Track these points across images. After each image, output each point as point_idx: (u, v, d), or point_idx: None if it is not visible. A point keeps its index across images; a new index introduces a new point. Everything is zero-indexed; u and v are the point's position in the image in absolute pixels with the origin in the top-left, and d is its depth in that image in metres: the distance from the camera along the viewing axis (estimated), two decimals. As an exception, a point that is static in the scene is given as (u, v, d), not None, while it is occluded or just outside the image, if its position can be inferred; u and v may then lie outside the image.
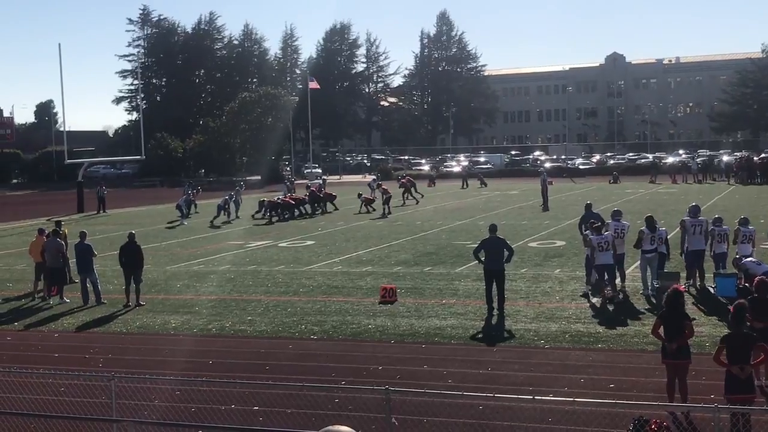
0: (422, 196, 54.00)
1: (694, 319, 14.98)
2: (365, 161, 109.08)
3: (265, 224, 42.57)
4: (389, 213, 44.59)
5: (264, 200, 46.51)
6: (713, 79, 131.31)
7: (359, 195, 48.56)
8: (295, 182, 64.69)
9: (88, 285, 22.33)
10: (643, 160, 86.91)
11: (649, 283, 21.00)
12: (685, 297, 13.39)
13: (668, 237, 22.50)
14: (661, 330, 12.47)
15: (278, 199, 47.03)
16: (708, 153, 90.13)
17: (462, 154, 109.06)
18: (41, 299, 23.00)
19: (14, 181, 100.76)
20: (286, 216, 44.94)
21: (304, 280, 24.62)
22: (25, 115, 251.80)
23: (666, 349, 12.45)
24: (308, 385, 12.22)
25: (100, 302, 22.12)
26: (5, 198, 74.99)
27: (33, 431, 11.79)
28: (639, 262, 21.69)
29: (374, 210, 46.27)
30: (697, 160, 74.40)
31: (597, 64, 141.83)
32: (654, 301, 19.86)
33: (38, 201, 67.98)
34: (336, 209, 47.92)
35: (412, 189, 53.33)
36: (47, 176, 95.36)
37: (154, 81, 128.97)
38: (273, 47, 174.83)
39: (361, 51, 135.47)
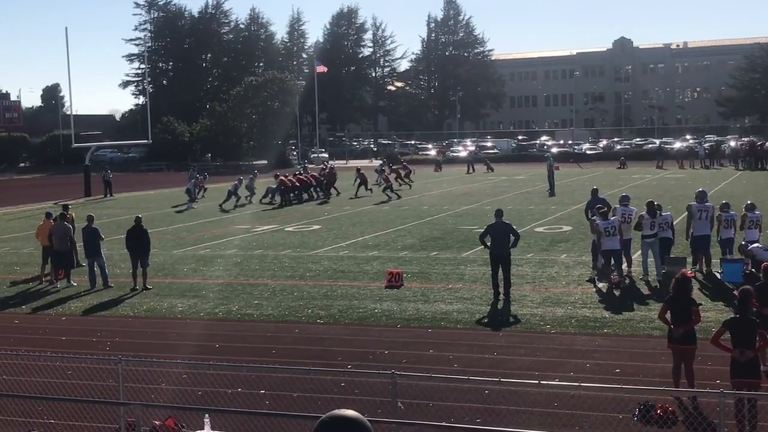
0: (412, 183, 52.52)
1: (701, 304, 14.95)
2: (372, 146, 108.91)
3: (275, 209, 42.60)
4: (389, 198, 44.60)
5: (271, 186, 46.60)
6: (721, 64, 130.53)
7: (356, 180, 48.44)
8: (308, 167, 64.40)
9: (95, 269, 22.39)
10: (650, 146, 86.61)
11: (652, 268, 21.00)
12: (692, 282, 13.39)
13: (674, 222, 22.45)
14: (668, 315, 12.46)
15: (286, 177, 47.25)
16: (715, 138, 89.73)
17: (469, 139, 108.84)
18: (48, 283, 23.07)
19: (21, 164, 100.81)
20: (293, 200, 44.93)
21: (311, 265, 24.65)
22: (32, 99, 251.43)
23: (672, 334, 12.45)
24: (314, 369, 12.25)
25: (107, 286, 22.19)
26: (12, 182, 75.17)
27: (40, 414, 11.86)
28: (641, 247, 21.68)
29: (371, 193, 46.42)
30: (705, 145, 74.07)
31: (604, 49, 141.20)
32: (658, 287, 19.88)
33: (45, 185, 68.09)
34: (338, 194, 47.59)
35: (405, 175, 52.28)
36: (54, 160, 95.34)
37: (161, 65, 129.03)
38: (279, 31, 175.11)
39: (368, 35, 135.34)
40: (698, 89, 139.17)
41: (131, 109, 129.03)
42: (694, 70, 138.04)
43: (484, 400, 12.13)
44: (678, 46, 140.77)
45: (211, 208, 43.14)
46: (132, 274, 22.04)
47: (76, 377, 13.27)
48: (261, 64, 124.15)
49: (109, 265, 23.50)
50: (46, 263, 23.62)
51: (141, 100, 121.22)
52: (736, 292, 11.84)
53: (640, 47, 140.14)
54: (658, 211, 21.27)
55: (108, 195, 52.44)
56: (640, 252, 21.77)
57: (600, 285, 20.28)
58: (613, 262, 20.36)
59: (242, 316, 18.58)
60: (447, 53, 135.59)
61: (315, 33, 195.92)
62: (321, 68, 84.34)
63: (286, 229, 33.64)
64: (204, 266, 25.14)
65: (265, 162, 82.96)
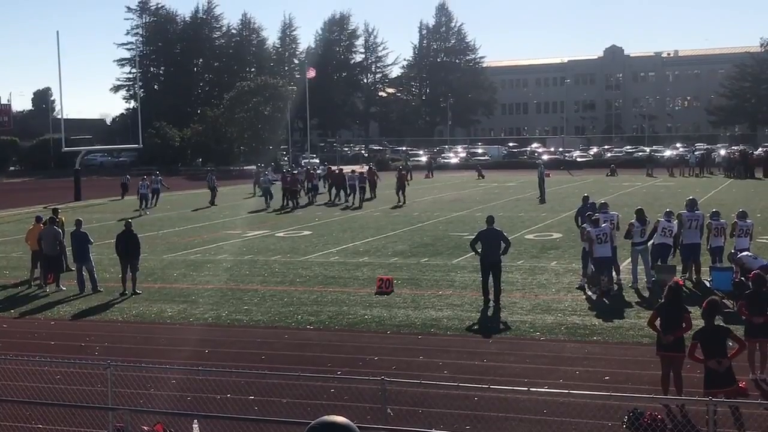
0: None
1: (690, 312, 14.98)
2: (363, 152, 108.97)
3: (288, 211, 43.20)
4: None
5: (266, 186, 47.10)
6: (711, 73, 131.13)
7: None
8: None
9: (84, 273, 22.34)
10: (640, 153, 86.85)
11: (641, 276, 21.04)
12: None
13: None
14: (658, 322, 12.49)
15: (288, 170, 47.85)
16: (705, 147, 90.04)
17: (460, 146, 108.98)
18: (38, 287, 22.99)
19: (11, 168, 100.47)
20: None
21: (301, 270, 24.62)
22: (22, 103, 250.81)
23: (661, 341, 12.48)
24: (304, 375, 12.23)
25: (96, 290, 22.13)
26: (2, 185, 74.90)
27: (29, 419, 11.81)
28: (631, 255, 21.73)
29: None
30: (696, 153, 74.27)
31: (596, 57, 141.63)
32: (646, 295, 19.92)
33: (35, 189, 67.89)
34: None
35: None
36: (44, 164, 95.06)
37: (152, 69, 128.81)
38: (271, 37, 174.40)
39: (360, 41, 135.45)
40: (688, 98, 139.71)
41: (122, 114, 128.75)
42: (684, 79, 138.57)
43: (473, 406, 12.13)
44: (669, 54, 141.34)
45: (201, 213, 43.12)
46: (121, 279, 22.00)
47: (65, 382, 13.22)
48: (253, 70, 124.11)
49: (99, 269, 23.44)
50: (35, 267, 23.55)
51: (132, 104, 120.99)
52: (704, 303, 11.90)
53: (631, 55, 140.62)
54: (669, 218, 21.41)
55: (123, 197, 53.67)
56: (629, 259, 21.81)
57: (590, 292, 20.32)
58: (603, 269, 20.39)
59: (232, 322, 18.54)
60: (438, 60, 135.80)
61: (307, 39, 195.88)
62: (310, 73, 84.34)
63: (276, 234, 33.61)
64: (194, 271, 25.09)
65: (255, 167, 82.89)
